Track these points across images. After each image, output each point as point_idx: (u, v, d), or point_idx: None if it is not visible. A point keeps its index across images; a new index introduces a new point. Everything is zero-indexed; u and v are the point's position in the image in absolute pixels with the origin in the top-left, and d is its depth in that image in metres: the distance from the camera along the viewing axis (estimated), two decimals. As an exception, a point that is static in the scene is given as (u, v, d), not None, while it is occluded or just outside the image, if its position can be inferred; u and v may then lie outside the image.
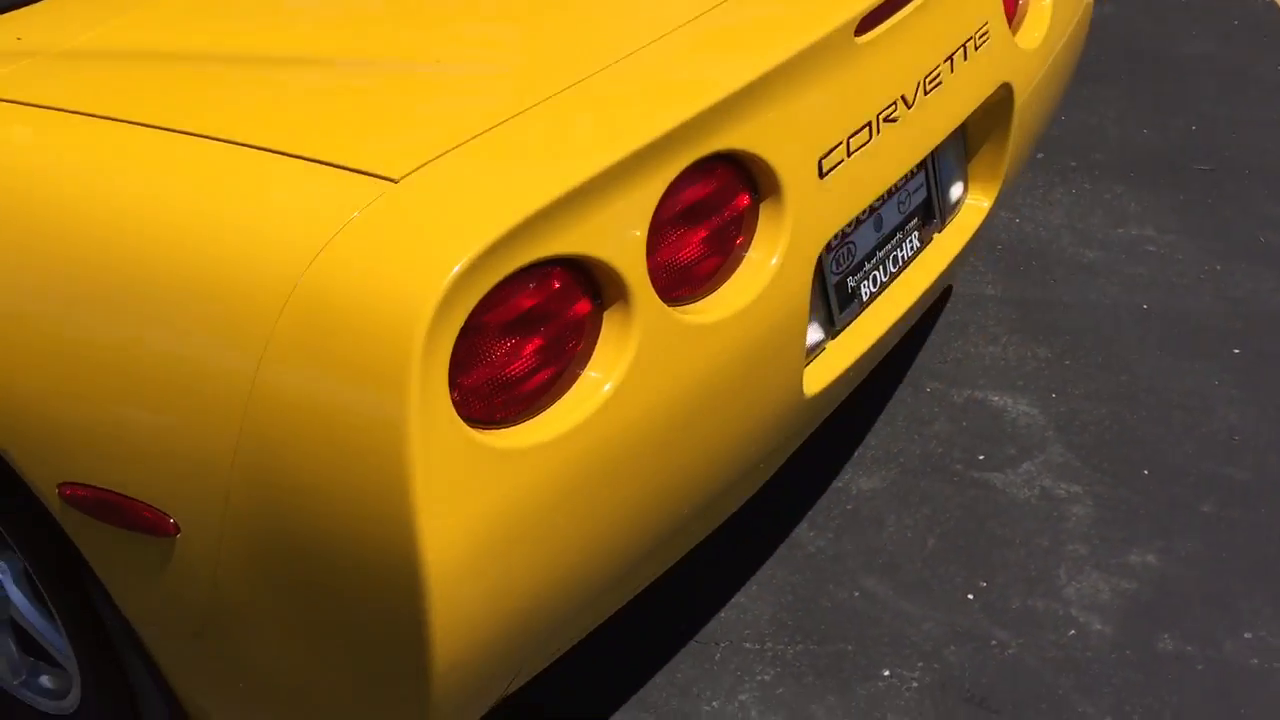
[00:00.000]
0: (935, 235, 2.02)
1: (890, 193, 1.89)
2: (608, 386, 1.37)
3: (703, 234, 1.48)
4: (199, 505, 1.35)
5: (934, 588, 2.16)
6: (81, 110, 1.50)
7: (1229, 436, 2.43)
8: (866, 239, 1.85)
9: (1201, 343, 2.67)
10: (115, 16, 1.75)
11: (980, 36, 1.89)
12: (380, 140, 1.38)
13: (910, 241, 1.94)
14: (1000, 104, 2.01)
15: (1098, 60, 3.87)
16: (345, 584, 1.31)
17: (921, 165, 1.96)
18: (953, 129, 1.87)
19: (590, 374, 1.37)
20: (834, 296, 1.79)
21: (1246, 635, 2.04)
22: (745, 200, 1.53)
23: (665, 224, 1.44)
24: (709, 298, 1.50)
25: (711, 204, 1.49)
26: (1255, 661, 1.99)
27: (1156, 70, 3.82)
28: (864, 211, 1.83)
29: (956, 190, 2.06)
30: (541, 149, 1.37)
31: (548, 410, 1.35)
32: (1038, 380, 2.60)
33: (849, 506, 2.34)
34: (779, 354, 1.59)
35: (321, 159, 1.33)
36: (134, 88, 1.53)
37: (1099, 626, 2.07)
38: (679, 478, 1.49)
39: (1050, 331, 2.73)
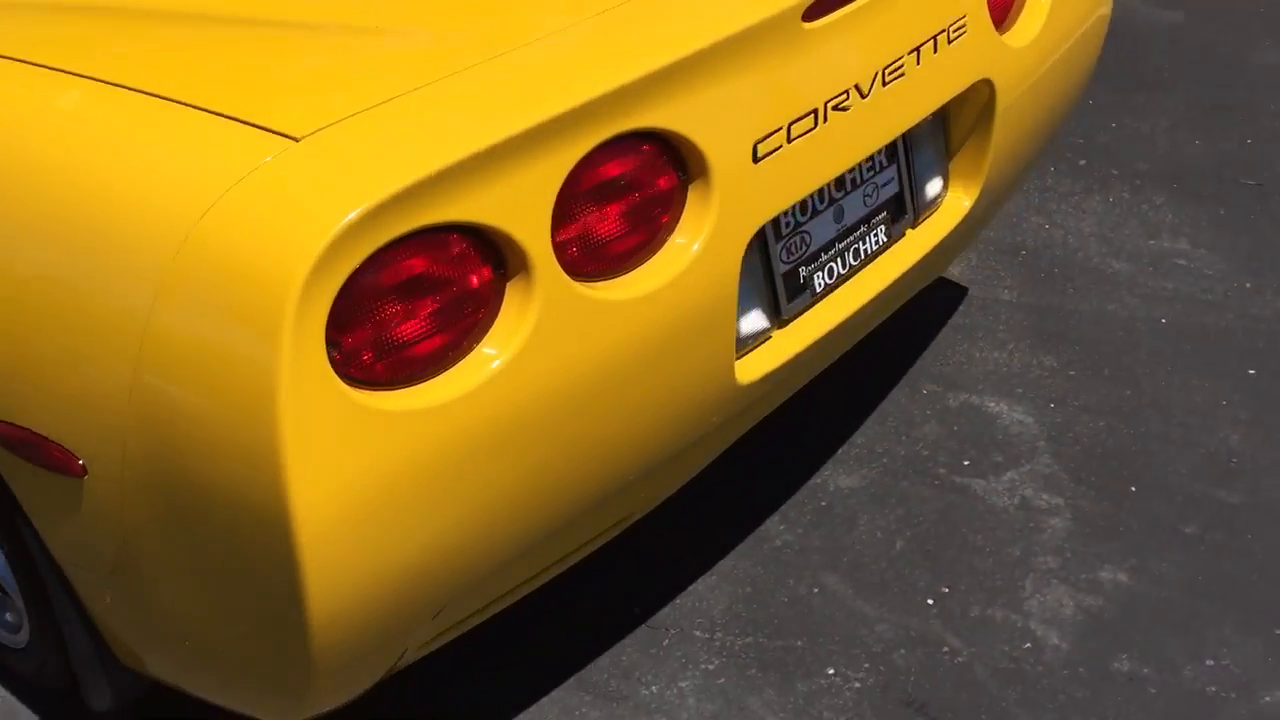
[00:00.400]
0: (908, 230, 1.99)
1: (854, 184, 1.86)
2: (501, 359, 1.37)
3: (619, 211, 1.48)
4: (102, 445, 1.39)
5: (894, 590, 2.13)
6: None
7: (1227, 458, 2.35)
8: (824, 230, 1.83)
9: (1216, 361, 2.58)
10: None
11: (955, 30, 1.85)
12: (292, 99, 1.40)
13: (876, 235, 1.91)
14: (982, 101, 1.96)
15: (1158, 68, 3.76)
16: (229, 531, 1.34)
17: (893, 159, 1.93)
18: (916, 123, 1.83)
19: (486, 344, 1.38)
20: (782, 285, 1.77)
21: (1209, 662, 1.97)
22: (671, 180, 1.52)
23: (577, 198, 1.44)
24: (625, 276, 1.50)
25: (631, 182, 1.48)
26: (1212, 689, 1.93)
27: (1220, 80, 3.70)
28: (820, 201, 1.81)
29: (934, 186, 2.02)
30: (450, 116, 1.38)
31: (439, 376, 1.36)
32: (1039, 389, 2.54)
33: (823, 503, 2.31)
34: (702, 339, 1.58)
35: (230, 114, 1.36)
36: (56, 35, 1.58)
37: (1056, 641, 2.02)
38: (582, 455, 1.49)
39: (1060, 341, 2.66)
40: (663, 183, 1.51)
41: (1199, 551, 2.16)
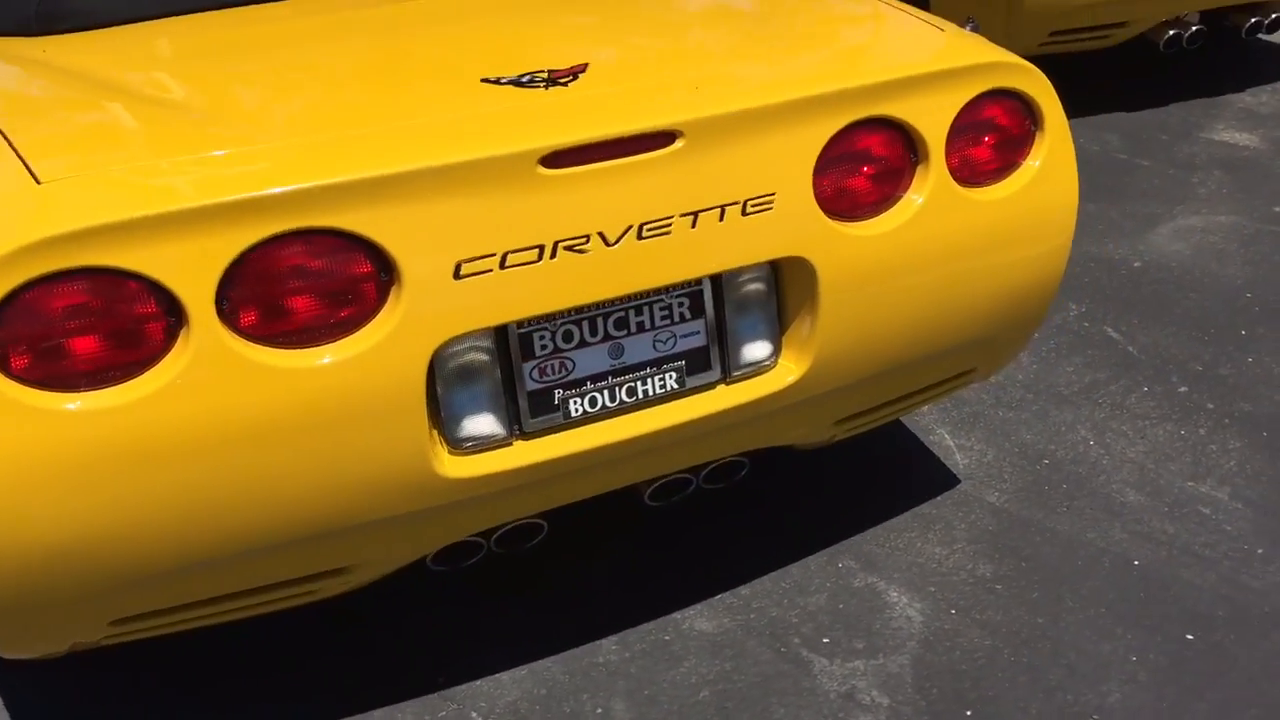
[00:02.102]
0: (721, 386, 2.06)
1: (640, 327, 1.98)
2: (148, 389, 1.65)
3: (300, 292, 1.71)
4: None
5: (665, 733, 2.16)
6: None
7: (1089, 714, 2.17)
8: (594, 362, 1.96)
9: (1160, 617, 2.38)
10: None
11: (756, 205, 1.93)
12: (69, 153, 1.76)
13: (663, 381, 2.01)
14: (806, 279, 2.01)
15: (1348, 314, 3.41)
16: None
17: (699, 313, 2.02)
18: (679, 282, 1.92)
19: (144, 373, 1.66)
20: (527, 401, 1.92)
21: None
22: (366, 277, 1.74)
23: (259, 274, 1.69)
24: (305, 349, 1.73)
25: (317, 269, 1.72)
26: None
27: None
28: (591, 334, 1.94)
29: (759, 350, 2.07)
30: (158, 183, 1.68)
31: (92, 390, 1.65)
32: (952, 593, 2.45)
33: (666, 637, 2.37)
34: (382, 426, 1.77)
35: (23, 155, 1.74)
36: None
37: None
38: (228, 498, 1.72)
39: (1010, 554, 2.55)
40: (354, 277, 1.73)
41: (979, 790, 2.03)
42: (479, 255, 1.77)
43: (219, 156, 1.74)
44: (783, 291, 2.06)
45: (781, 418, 2.15)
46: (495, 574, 2.51)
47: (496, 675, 2.30)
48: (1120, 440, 2.90)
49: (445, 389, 1.87)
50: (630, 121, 1.83)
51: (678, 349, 2.01)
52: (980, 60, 2.12)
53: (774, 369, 2.09)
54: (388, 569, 2.01)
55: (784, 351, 2.09)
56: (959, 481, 2.78)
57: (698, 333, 2.02)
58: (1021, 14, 4.52)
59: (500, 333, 1.88)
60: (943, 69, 2.08)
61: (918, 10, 2.36)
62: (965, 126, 2.13)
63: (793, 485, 2.76)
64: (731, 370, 2.06)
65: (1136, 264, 3.73)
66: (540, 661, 2.32)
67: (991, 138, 2.16)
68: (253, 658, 2.34)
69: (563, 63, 2.04)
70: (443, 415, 1.87)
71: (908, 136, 2.08)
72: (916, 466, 2.83)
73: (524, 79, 1.97)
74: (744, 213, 1.93)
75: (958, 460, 2.84)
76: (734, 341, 2.06)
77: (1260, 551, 2.55)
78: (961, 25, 2.33)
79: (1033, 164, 2.20)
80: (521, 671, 2.30)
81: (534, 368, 1.92)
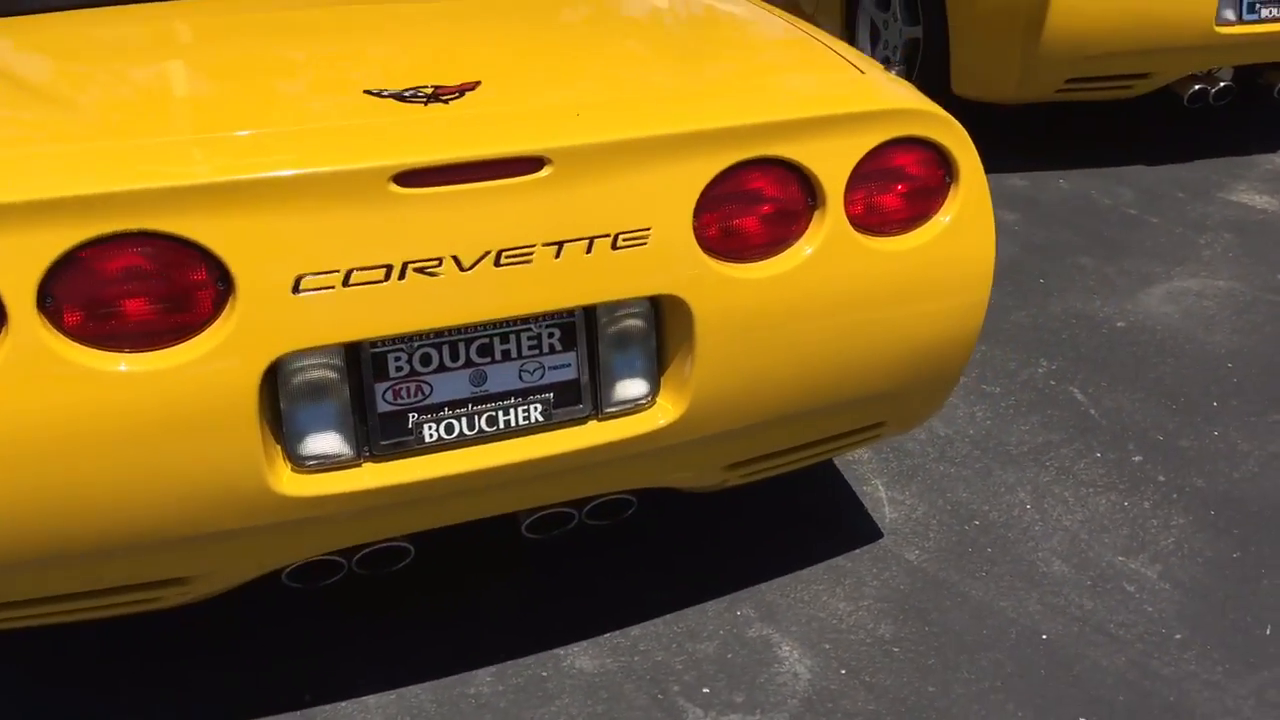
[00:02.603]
0: (592, 421, 2.00)
1: (506, 355, 1.92)
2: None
3: (133, 294, 1.68)
4: None
5: (517, 771, 2.10)
6: None
7: (958, 791, 2.08)
8: (454, 387, 1.91)
9: (1054, 697, 2.27)
10: None
11: (629, 239, 1.87)
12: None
13: (528, 412, 1.95)
14: (683, 319, 1.94)
15: (1330, 393, 3.27)
16: None
17: (571, 345, 1.96)
18: (546, 312, 1.86)
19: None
20: (379, 423, 1.88)
21: None
22: (201, 285, 1.71)
23: (88, 275, 1.67)
24: (137, 354, 1.70)
25: (149, 273, 1.69)
26: None
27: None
28: (451, 359, 1.89)
29: (635, 388, 2.01)
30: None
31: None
32: (846, 652, 2.36)
33: (544, 674, 2.31)
34: (210, 438, 1.73)
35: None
36: None
37: None
38: (48, 497, 1.69)
39: (916, 617, 2.45)
40: (188, 284, 1.70)
41: None
42: (321, 270, 1.73)
43: (64, 151, 1.72)
44: (663, 330, 2.00)
45: (662, 459, 2.08)
46: (380, 591, 2.47)
47: (364, 698, 2.25)
48: (1058, 507, 2.79)
49: (289, 404, 1.83)
50: (495, 144, 1.79)
51: (546, 380, 1.96)
52: (889, 106, 2.04)
53: (650, 409, 2.03)
54: (233, 582, 1.98)
55: (663, 391, 2.03)
56: (881, 536, 2.69)
57: (568, 365, 1.97)
58: (1036, 59, 4.40)
59: (351, 351, 1.84)
60: (846, 112, 2.00)
61: (845, 47, 2.29)
62: (870, 174, 2.05)
63: (706, 525, 2.69)
64: (604, 406, 2.00)
65: (1120, 324, 3.61)
66: (411, 688, 2.27)
67: (899, 187, 2.08)
68: (117, 656, 2.32)
69: (456, 79, 2.00)
70: (285, 431, 1.83)
71: (805, 179, 2.01)
72: (842, 516, 2.75)
73: (407, 93, 1.93)
74: (614, 246, 1.87)
75: (886, 513, 2.75)
76: (608, 377, 2.00)
77: (1178, 637, 2.43)
78: (890, 68, 2.25)
79: (943, 218, 2.12)
80: (390, 696, 2.26)
81: (388, 389, 1.87)
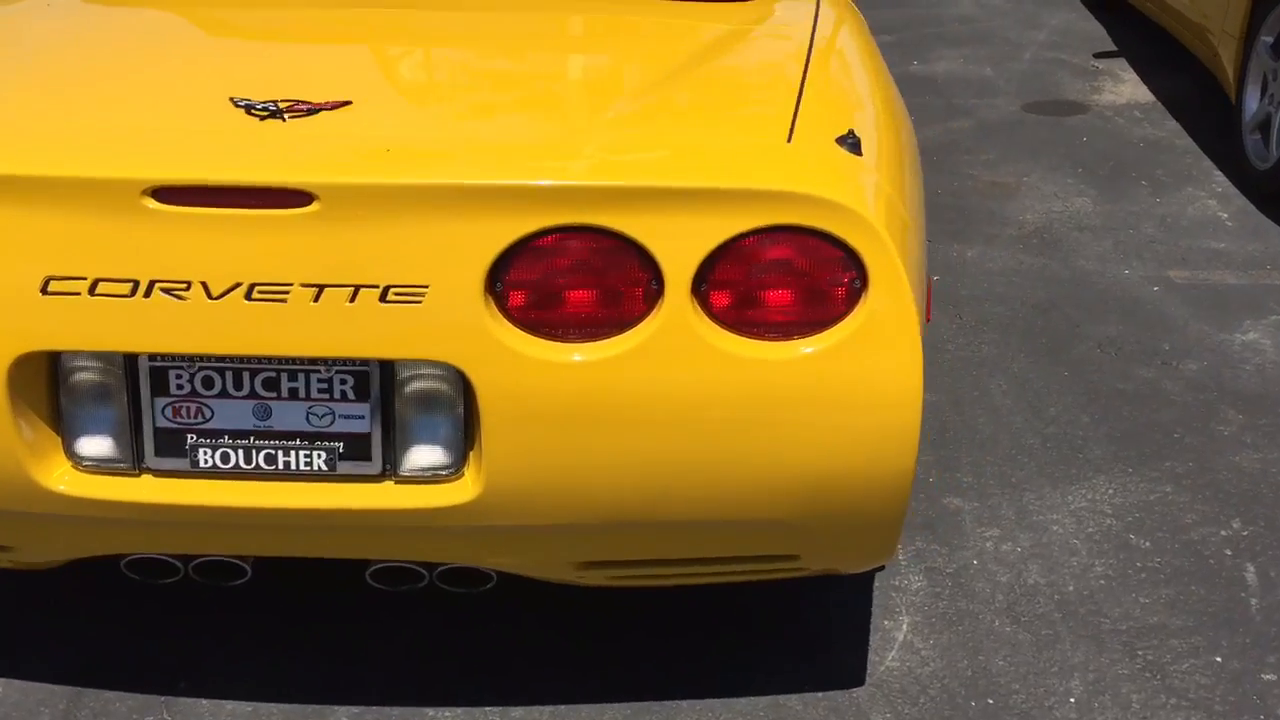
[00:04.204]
0: (388, 483, 1.83)
1: (293, 394, 1.81)
2: None
3: None
4: None
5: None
6: None
7: None
8: (234, 416, 1.82)
9: None
10: None
11: (402, 294, 1.67)
12: None
13: (310, 458, 1.82)
14: (461, 392, 1.72)
15: None
16: None
17: (364, 396, 1.80)
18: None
19: None
20: (153, 437, 1.83)
21: None
22: None
23: None
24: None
25: None
26: None
27: None
28: (235, 387, 1.81)
29: (432, 455, 1.81)
30: None
31: None
32: None
33: None
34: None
35: None
36: None
37: None
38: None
39: None
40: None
41: None
42: (69, 275, 1.70)
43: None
44: (472, 400, 1.78)
45: (474, 539, 1.87)
46: (269, 613, 2.40)
47: (225, 702, 2.23)
48: (1112, 712, 2.22)
49: (69, 403, 1.82)
50: (259, 173, 1.67)
51: (336, 429, 1.82)
52: (769, 186, 1.68)
53: (454, 482, 1.82)
54: (52, 558, 2.02)
55: (469, 466, 1.82)
56: (861, 684, 2.27)
57: (361, 417, 1.81)
58: None
59: (130, 361, 1.80)
60: (702, 186, 1.68)
61: (794, 105, 1.92)
62: (742, 263, 1.71)
63: (666, 620, 2.40)
64: (399, 468, 1.83)
65: (1380, 498, 2.81)
66: (272, 705, 2.22)
67: (782, 284, 1.72)
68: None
69: (329, 95, 1.89)
70: (64, 428, 1.83)
71: (649, 259, 1.71)
72: (834, 645, 2.35)
73: (261, 105, 1.85)
74: (383, 299, 1.69)
75: (887, 658, 2.32)
76: (404, 438, 1.82)
77: None
78: (843, 139, 1.85)
79: (846, 328, 1.73)
80: (246, 708, 2.22)
81: (167, 405, 1.82)
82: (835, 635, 2.38)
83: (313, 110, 1.84)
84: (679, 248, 1.69)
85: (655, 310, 1.71)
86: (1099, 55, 6.12)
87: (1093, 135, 5.08)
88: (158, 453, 1.84)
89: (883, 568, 2.53)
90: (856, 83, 2.19)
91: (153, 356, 1.80)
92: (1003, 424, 3.07)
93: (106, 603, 2.43)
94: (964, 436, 3.02)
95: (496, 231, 1.68)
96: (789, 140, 1.80)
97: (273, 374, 1.80)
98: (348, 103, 1.88)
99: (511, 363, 1.71)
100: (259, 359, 1.78)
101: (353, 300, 1.70)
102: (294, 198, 1.67)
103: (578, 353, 1.72)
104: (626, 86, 1.99)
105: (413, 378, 1.79)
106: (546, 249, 1.71)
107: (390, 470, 1.84)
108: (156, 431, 1.83)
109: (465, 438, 1.81)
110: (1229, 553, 2.62)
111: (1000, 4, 7.16)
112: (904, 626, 2.40)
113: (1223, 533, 2.68)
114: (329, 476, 1.84)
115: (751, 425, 1.75)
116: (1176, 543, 2.65)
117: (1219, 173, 4.66)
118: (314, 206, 1.67)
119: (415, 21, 2.28)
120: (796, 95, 1.95)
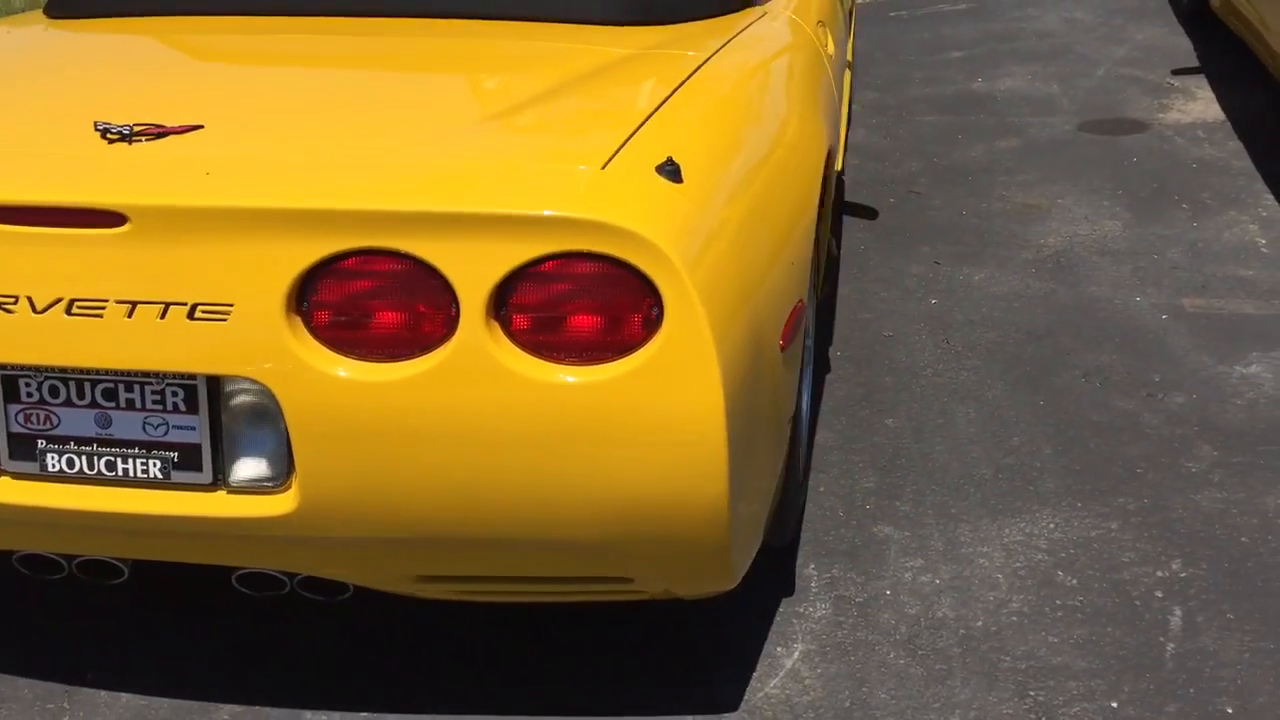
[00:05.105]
0: (221, 492, 1.90)
1: (130, 404, 1.89)
2: None
3: None
4: None
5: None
6: None
7: None
8: (79, 424, 1.92)
9: None
10: None
11: (208, 312, 1.74)
12: None
13: (147, 466, 1.90)
14: (266, 406, 1.78)
15: None
16: None
17: (194, 409, 1.87)
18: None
19: None
20: (6, 441, 1.94)
21: None
22: None
23: None
24: None
25: None
26: None
27: None
28: (77, 395, 1.90)
29: (258, 468, 1.87)
30: None
31: None
32: None
33: None
34: None
35: None
36: None
37: None
38: None
39: None
40: None
41: None
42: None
43: None
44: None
45: (306, 549, 1.93)
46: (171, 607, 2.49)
47: (121, 695, 2.33)
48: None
49: (-67, 404, 1.94)
50: (72, 194, 1.76)
51: (170, 439, 1.90)
52: (561, 213, 1.70)
53: (279, 494, 1.88)
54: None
55: (292, 479, 1.88)
56: (735, 709, 2.25)
57: (193, 429, 1.89)
58: None
59: (-16, 368, 1.91)
60: (492, 212, 1.71)
61: (630, 132, 1.92)
62: (535, 287, 1.73)
63: (561, 633, 2.42)
64: (228, 478, 1.90)
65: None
66: (163, 700, 2.31)
67: (578, 310, 1.73)
68: None
69: (184, 119, 1.98)
70: (-73, 429, 1.95)
71: (445, 282, 1.74)
72: (717, 667, 2.33)
73: (118, 129, 1.94)
74: (190, 316, 1.76)
75: (769, 685, 2.30)
76: (233, 450, 1.89)
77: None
78: (661, 166, 1.85)
79: (642, 355, 1.73)
80: (140, 701, 2.31)
81: (19, 412, 1.92)
82: (723, 659, 2.36)
83: (162, 134, 1.93)
84: (473, 272, 1.72)
85: (453, 333, 1.75)
86: (1178, 72, 5.91)
87: (1145, 155, 4.92)
88: (11, 456, 1.95)
89: (790, 592, 2.51)
90: (735, 111, 2.19)
91: (4, 365, 1.90)
92: (958, 453, 3.00)
93: (36, 591, 2.56)
94: (914, 464, 2.96)
95: (297, 254, 1.74)
96: (604, 167, 1.81)
97: (111, 385, 1.89)
98: (199, 126, 1.96)
99: (316, 381, 1.76)
100: (99, 370, 1.87)
101: (163, 317, 1.77)
102: (108, 218, 1.76)
103: (381, 372, 1.76)
104: (470, 113, 2.03)
105: (238, 392, 1.86)
106: (349, 271, 1.76)
107: (221, 480, 1.91)
108: (10, 436, 1.94)
109: (289, 451, 1.87)
110: (1159, 595, 2.51)
111: (1089, 19, 6.97)
112: (795, 654, 2.38)
113: (1159, 574, 2.57)
114: (164, 484, 1.92)
115: (552, 448, 1.76)
116: (1105, 582, 2.55)
117: (1270, 196, 4.46)
118: (127, 227, 1.76)
119: (296, 46, 2.36)
120: (640, 122, 1.96)
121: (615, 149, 1.87)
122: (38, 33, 2.64)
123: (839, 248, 4.16)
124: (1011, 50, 6.43)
